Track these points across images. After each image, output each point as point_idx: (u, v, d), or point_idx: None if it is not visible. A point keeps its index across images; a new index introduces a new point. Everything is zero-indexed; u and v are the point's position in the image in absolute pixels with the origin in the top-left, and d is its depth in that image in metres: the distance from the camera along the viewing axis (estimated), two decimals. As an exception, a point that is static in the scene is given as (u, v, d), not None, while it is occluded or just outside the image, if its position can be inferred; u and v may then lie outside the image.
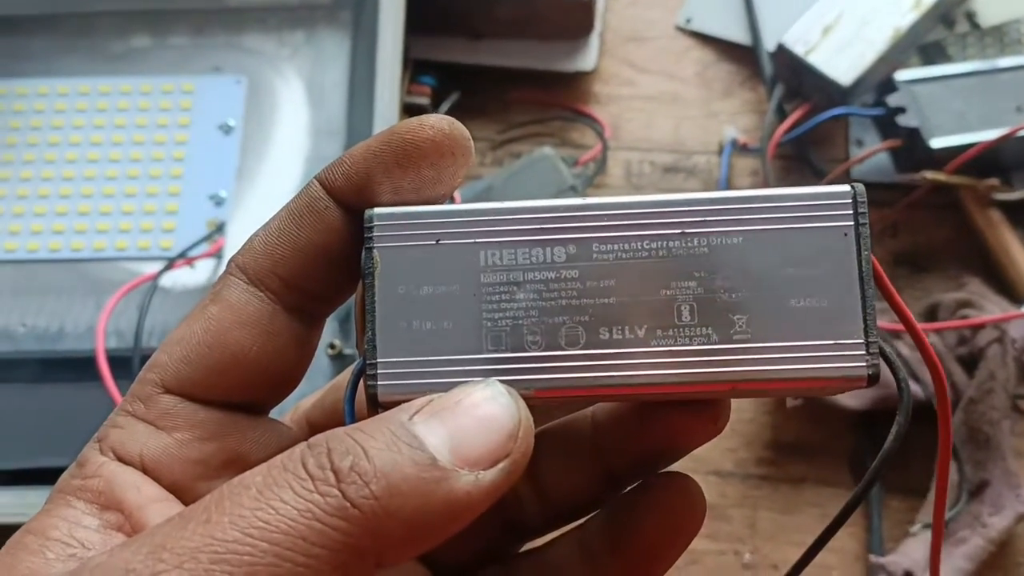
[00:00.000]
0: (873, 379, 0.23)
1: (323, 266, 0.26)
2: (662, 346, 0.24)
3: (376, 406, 0.25)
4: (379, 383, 0.24)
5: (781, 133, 0.61)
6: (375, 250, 0.25)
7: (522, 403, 0.23)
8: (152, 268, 0.59)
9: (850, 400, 0.55)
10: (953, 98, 0.58)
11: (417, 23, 0.61)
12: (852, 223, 0.24)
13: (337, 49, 0.66)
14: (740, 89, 0.67)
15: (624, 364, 0.24)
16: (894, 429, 0.25)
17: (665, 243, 0.24)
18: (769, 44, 0.65)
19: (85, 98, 0.64)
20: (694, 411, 0.27)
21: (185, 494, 0.26)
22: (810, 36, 0.61)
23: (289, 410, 0.32)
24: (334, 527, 0.21)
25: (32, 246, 0.60)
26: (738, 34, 0.67)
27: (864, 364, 0.23)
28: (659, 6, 0.70)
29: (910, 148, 0.58)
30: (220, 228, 0.60)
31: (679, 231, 0.24)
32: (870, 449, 0.56)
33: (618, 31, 0.69)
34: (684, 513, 0.27)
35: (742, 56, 0.67)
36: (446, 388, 0.23)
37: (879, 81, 0.61)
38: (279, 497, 0.21)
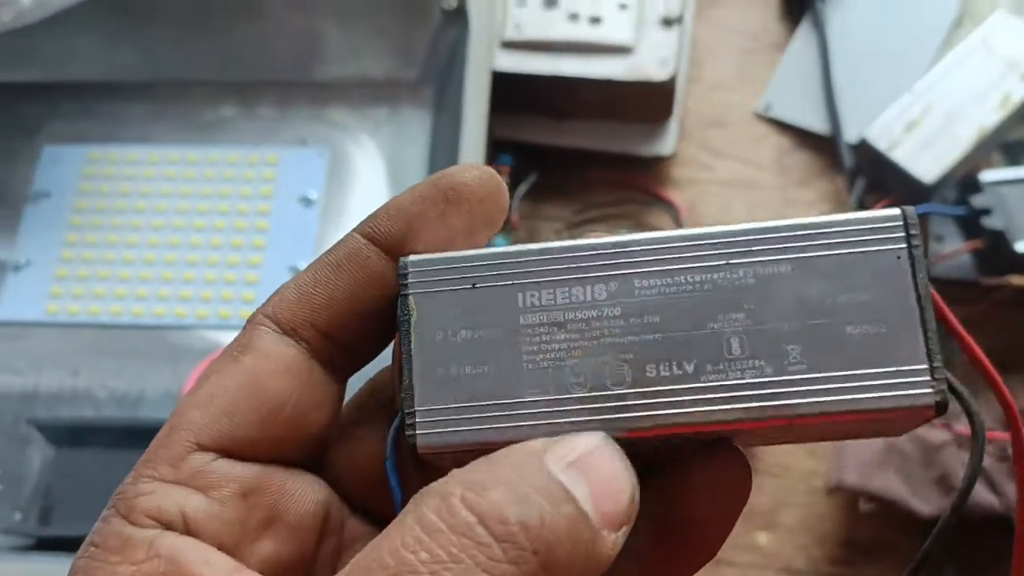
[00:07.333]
0: (941, 407, 0.22)
1: (360, 318, 0.25)
2: (713, 381, 0.23)
3: (415, 458, 0.24)
4: (418, 432, 0.23)
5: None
6: (410, 297, 0.24)
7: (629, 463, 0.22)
8: (231, 338, 0.60)
9: (923, 506, 0.54)
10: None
11: (500, 103, 0.62)
12: (905, 246, 0.23)
13: (418, 126, 0.67)
14: (818, 179, 0.66)
15: (674, 401, 0.23)
16: (969, 462, 0.24)
17: (709, 275, 0.24)
18: (849, 134, 0.65)
19: (174, 166, 0.66)
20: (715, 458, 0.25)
21: None
22: (893, 131, 0.60)
23: None
24: None
25: (115, 310, 0.62)
26: (817, 123, 0.67)
27: (930, 391, 0.22)
28: (740, 91, 0.70)
29: (994, 250, 0.58)
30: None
31: (723, 262, 0.24)
32: (945, 555, 0.55)
33: (698, 115, 0.69)
34: (732, 483, 0.25)
35: (821, 145, 0.67)
36: (489, 435, 0.23)
37: (960, 178, 0.60)
38: None
